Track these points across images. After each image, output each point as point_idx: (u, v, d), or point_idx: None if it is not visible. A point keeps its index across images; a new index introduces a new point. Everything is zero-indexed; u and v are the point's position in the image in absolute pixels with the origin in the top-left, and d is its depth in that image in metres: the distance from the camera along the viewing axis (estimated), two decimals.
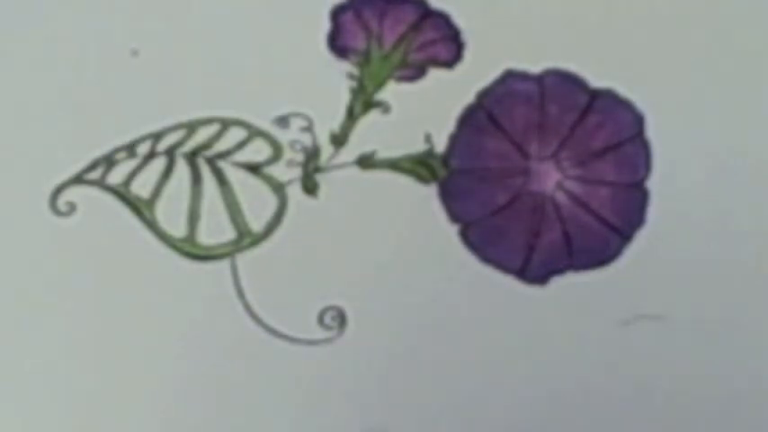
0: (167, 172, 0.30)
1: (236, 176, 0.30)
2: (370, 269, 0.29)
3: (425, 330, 0.29)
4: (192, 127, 0.30)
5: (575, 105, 0.31)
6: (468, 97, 0.31)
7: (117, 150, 0.30)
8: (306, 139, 0.30)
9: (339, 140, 0.30)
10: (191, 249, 0.29)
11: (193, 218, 0.30)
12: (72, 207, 0.29)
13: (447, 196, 0.30)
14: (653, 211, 0.30)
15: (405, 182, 0.30)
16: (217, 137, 0.30)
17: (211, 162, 0.30)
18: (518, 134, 0.30)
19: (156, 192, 0.30)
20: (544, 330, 0.29)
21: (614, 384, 0.29)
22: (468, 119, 0.30)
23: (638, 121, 0.30)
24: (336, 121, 0.30)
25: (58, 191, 0.30)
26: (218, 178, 0.30)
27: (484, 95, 0.31)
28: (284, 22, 0.31)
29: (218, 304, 0.29)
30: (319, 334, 0.29)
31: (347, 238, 0.30)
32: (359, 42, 0.31)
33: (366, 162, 0.30)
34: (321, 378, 0.28)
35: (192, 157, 0.30)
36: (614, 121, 0.30)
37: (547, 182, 0.30)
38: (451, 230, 0.30)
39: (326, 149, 0.30)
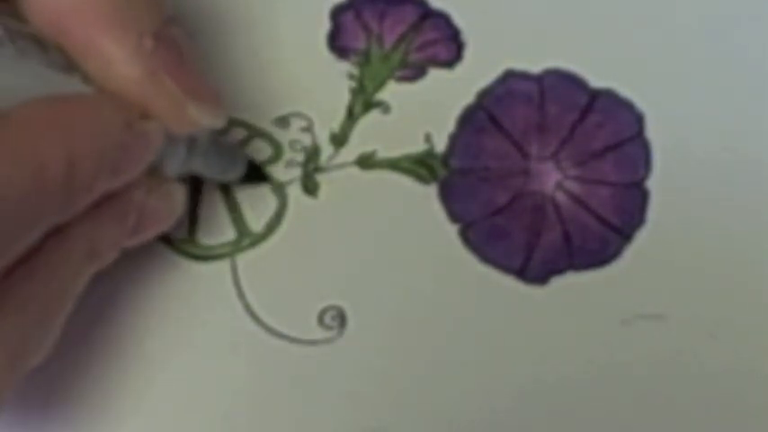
0: None
1: None
2: (370, 269, 0.29)
3: (425, 330, 0.29)
4: None
5: (575, 105, 0.31)
6: (468, 97, 0.31)
7: None
8: (306, 139, 0.30)
9: (339, 140, 0.30)
10: (191, 249, 0.29)
11: (193, 218, 0.30)
12: None
13: (447, 196, 0.30)
14: (653, 211, 0.30)
15: (405, 182, 0.30)
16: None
17: None
18: (518, 134, 0.30)
19: None
20: (544, 330, 0.29)
21: (614, 384, 0.29)
22: (468, 119, 0.30)
23: (638, 121, 0.31)
24: (336, 121, 0.30)
25: None
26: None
27: (484, 95, 0.31)
28: (284, 22, 0.31)
29: (218, 304, 0.29)
30: (319, 334, 0.29)
31: (347, 238, 0.30)
32: (359, 42, 0.31)
33: (366, 162, 0.30)
34: (321, 378, 0.28)
35: None
36: (614, 121, 0.30)
37: (547, 182, 0.30)
38: (451, 230, 0.30)
39: (326, 149, 0.30)
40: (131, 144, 0.24)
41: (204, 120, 0.26)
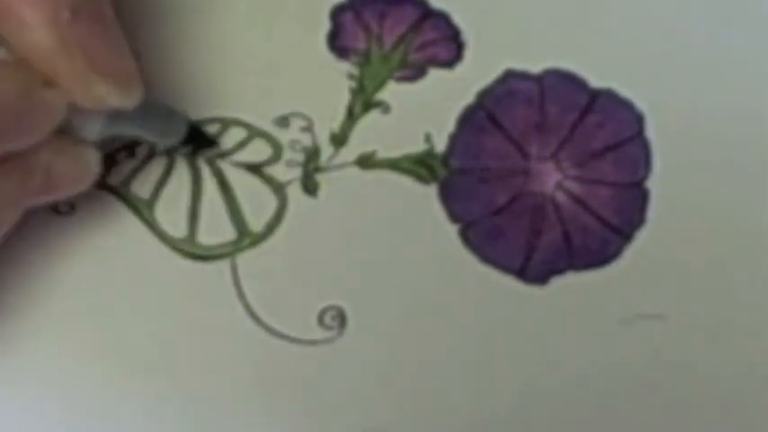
0: (167, 172, 0.30)
1: (236, 176, 0.30)
2: (370, 269, 0.29)
3: (425, 330, 0.29)
4: None
5: (575, 105, 0.31)
6: (468, 97, 0.31)
7: (117, 150, 0.30)
8: (306, 139, 0.30)
9: (339, 140, 0.30)
10: (191, 249, 0.29)
11: (193, 218, 0.30)
12: (72, 207, 0.29)
13: (447, 196, 0.30)
14: (653, 211, 0.30)
15: (405, 182, 0.30)
16: (217, 137, 0.30)
17: (211, 162, 0.30)
18: (518, 134, 0.30)
19: (156, 192, 0.30)
20: (544, 330, 0.29)
21: (614, 384, 0.29)
22: (468, 119, 0.30)
23: (638, 121, 0.30)
24: (336, 121, 0.30)
25: None
26: (218, 178, 0.30)
27: (484, 95, 0.31)
28: (284, 22, 0.31)
29: (218, 304, 0.29)
30: (319, 334, 0.29)
31: (347, 238, 0.30)
32: (359, 42, 0.31)
33: (366, 162, 0.30)
34: (321, 378, 0.28)
35: (192, 157, 0.30)
36: (614, 121, 0.30)
37: (547, 182, 0.30)
38: (451, 230, 0.30)
39: (326, 149, 0.30)
40: (27, 111, 0.24)
41: (110, 100, 0.25)
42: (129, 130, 0.28)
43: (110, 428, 0.28)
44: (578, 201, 0.30)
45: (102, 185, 0.30)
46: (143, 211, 0.30)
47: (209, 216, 0.30)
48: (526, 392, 0.29)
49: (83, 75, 0.25)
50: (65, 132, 0.26)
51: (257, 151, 0.30)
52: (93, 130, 0.27)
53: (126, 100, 0.26)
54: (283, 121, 0.30)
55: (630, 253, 0.29)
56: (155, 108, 0.28)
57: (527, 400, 0.28)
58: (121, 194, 0.30)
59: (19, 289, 0.29)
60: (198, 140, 0.30)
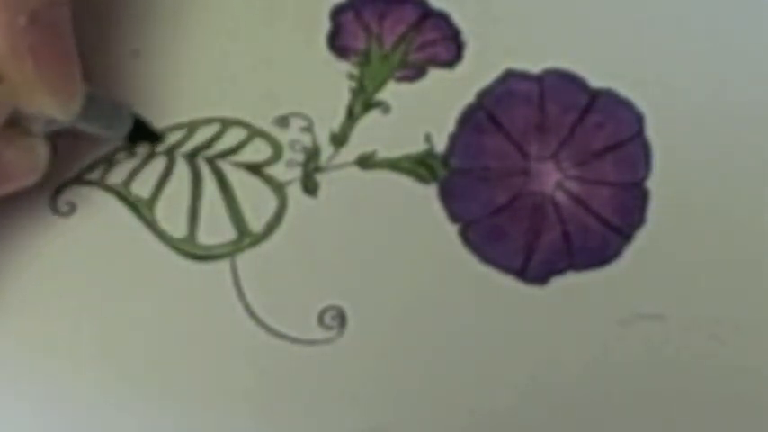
0: (167, 172, 0.30)
1: (236, 176, 0.30)
2: (370, 269, 0.29)
3: (425, 330, 0.29)
4: (191, 127, 0.30)
5: (575, 105, 0.31)
6: (468, 97, 0.31)
7: (117, 150, 0.30)
8: (306, 139, 0.30)
9: (339, 140, 0.30)
10: (191, 249, 0.29)
11: (193, 218, 0.30)
12: (72, 207, 0.29)
13: (447, 196, 0.30)
14: (653, 211, 0.30)
15: (405, 182, 0.30)
16: (217, 137, 0.30)
17: (211, 162, 0.30)
18: (518, 134, 0.30)
19: (156, 192, 0.30)
20: (544, 330, 0.29)
21: (614, 384, 0.29)
22: (468, 119, 0.30)
23: (638, 121, 0.31)
24: (336, 121, 0.30)
25: (58, 191, 0.30)
26: (218, 178, 0.30)
27: (484, 95, 0.31)
28: (284, 22, 0.31)
29: (218, 304, 0.29)
30: (319, 334, 0.29)
31: (347, 238, 0.30)
32: (359, 42, 0.31)
33: (366, 162, 0.30)
34: (321, 378, 0.28)
35: (191, 158, 0.30)
36: (614, 121, 0.30)
37: (547, 182, 0.30)
38: (451, 230, 0.30)
39: (326, 149, 0.30)
40: None
41: (49, 111, 0.26)
42: (74, 123, 0.28)
43: (109, 428, 0.28)
44: (578, 201, 0.30)
45: (102, 185, 0.30)
46: (143, 211, 0.30)
47: (209, 216, 0.30)
48: (526, 392, 0.29)
49: (28, 82, 0.25)
50: (13, 125, 0.26)
51: (257, 151, 0.30)
52: (40, 121, 0.27)
53: (63, 113, 0.26)
54: (283, 121, 0.30)
55: (630, 253, 0.29)
56: (99, 102, 0.28)
57: (527, 399, 0.28)
58: (121, 194, 0.30)
59: (19, 289, 0.29)
60: (142, 134, 0.30)
